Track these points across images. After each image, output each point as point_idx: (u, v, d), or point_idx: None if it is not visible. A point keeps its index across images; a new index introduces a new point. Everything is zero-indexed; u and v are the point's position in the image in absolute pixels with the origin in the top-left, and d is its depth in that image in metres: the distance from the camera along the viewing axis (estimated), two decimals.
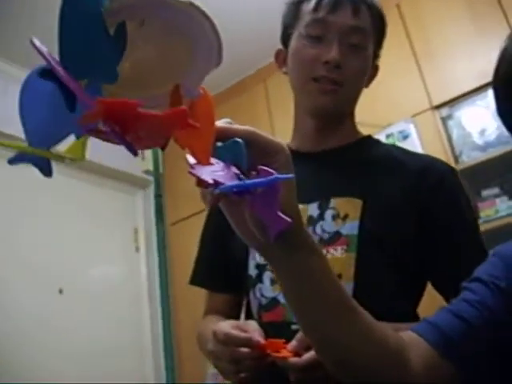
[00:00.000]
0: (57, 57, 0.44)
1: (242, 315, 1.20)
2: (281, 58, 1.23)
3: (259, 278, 1.08)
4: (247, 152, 0.52)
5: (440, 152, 2.41)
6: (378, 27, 1.16)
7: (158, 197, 3.70)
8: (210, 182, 0.47)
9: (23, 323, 2.67)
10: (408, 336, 0.66)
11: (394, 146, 1.23)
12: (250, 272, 1.10)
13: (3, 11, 2.75)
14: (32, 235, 2.91)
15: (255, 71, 3.43)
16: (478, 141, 2.43)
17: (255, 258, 1.10)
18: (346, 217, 1.04)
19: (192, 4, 0.47)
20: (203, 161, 0.51)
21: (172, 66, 0.53)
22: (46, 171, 0.52)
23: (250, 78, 3.44)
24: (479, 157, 2.39)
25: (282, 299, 1.03)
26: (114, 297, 3.23)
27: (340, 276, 0.99)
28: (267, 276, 1.07)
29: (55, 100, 0.46)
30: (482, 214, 2.31)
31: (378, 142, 1.24)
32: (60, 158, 0.50)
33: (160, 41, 0.51)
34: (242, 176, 0.51)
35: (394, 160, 1.12)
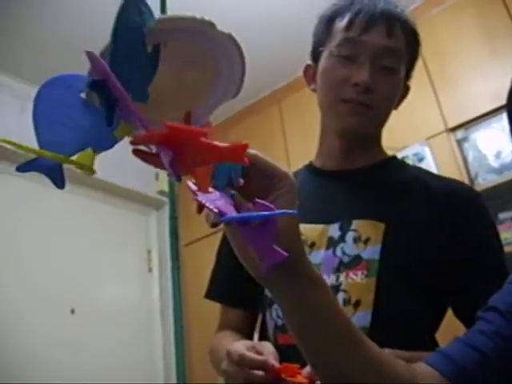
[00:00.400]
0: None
1: (256, 334, 1.19)
2: (310, 74, 1.19)
3: None
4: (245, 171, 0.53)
5: (455, 174, 2.39)
6: (412, 47, 1.13)
7: (174, 218, 3.70)
8: (215, 210, 0.47)
9: (35, 342, 2.67)
10: (420, 367, 0.65)
11: (419, 169, 1.21)
12: (266, 292, 1.08)
13: (19, 31, 2.80)
14: (45, 254, 2.92)
15: (270, 92, 3.44)
16: (494, 163, 2.41)
17: None
18: (367, 240, 1.01)
19: (231, 37, 0.48)
20: (203, 188, 0.51)
21: (188, 92, 0.53)
22: (59, 183, 0.51)
23: (265, 99, 3.46)
24: (495, 179, 2.37)
25: None
26: (126, 317, 3.22)
27: (359, 302, 0.97)
28: None
29: (76, 111, 0.46)
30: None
31: (403, 163, 1.22)
32: (77, 166, 0.49)
33: (181, 64, 0.51)
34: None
35: (420, 183, 1.09)
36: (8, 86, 3.02)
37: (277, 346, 0.97)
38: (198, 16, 0.46)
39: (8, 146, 0.44)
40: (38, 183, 2.86)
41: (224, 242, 1.26)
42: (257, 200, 0.50)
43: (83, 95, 0.48)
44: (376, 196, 1.09)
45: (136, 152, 0.46)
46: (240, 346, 0.89)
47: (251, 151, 0.53)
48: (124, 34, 0.43)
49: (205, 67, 0.50)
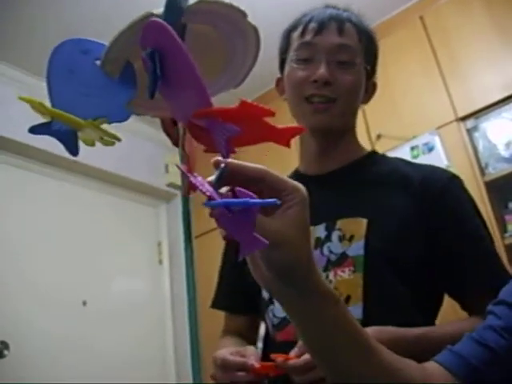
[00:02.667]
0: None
1: (261, 333, 1.24)
2: (280, 85, 1.27)
3: (271, 300, 1.11)
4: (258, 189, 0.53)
5: (465, 164, 2.39)
6: (367, 44, 1.18)
7: (187, 211, 3.71)
8: (208, 193, 0.48)
9: (47, 334, 2.70)
10: (431, 366, 0.64)
11: (398, 159, 1.24)
12: (263, 295, 1.15)
13: (21, 23, 2.81)
14: (56, 247, 2.95)
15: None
16: (504, 153, 2.39)
17: None
18: (351, 238, 1.05)
19: (257, 31, 0.50)
20: (191, 169, 0.52)
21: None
22: (73, 149, 0.51)
23: (273, 90, 3.45)
24: (505, 169, 2.35)
25: None
26: (136, 309, 3.24)
27: (349, 298, 1.01)
28: None
29: (91, 79, 0.45)
30: (510, 227, 2.27)
31: (382, 156, 1.25)
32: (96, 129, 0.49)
33: (198, 49, 0.51)
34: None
35: (398, 174, 1.13)
36: (18, 79, 3.03)
37: (276, 343, 1.05)
38: (234, 3, 0.46)
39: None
40: (49, 177, 2.88)
41: (226, 252, 1.33)
42: (238, 188, 0.50)
43: (98, 63, 0.47)
44: (357, 194, 1.13)
45: (192, 127, 0.46)
46: (224, 352, 0.98)
47: (259, 168, 0.53)
48: (172, 9, 0.44)
49: (217, 54, 0.50)
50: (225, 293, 1.32)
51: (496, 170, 2.38)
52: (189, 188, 0.51)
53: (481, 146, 2.45)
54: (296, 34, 1.18)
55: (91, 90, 0.46)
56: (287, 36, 1.22)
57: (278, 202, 0.49)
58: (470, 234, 1.06)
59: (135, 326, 3.17)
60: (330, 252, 1.06)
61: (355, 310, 0.98)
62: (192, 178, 0.49)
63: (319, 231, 1.08)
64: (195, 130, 0.47)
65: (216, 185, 0.50)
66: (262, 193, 0.52)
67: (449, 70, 2.61)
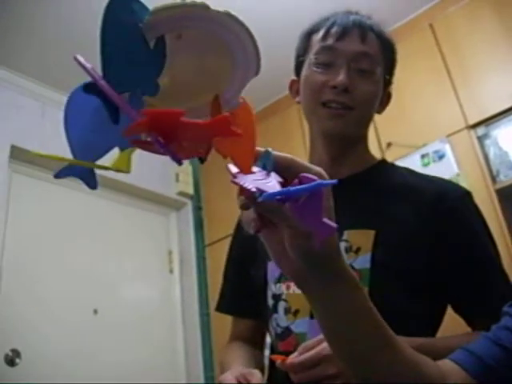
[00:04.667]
0: (99, 72, 0.45)
1: (268, 340, 1.24)
2: (294, 88, 1.26)
3: (275, 308, 1.11)
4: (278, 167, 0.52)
5: (476, 171, 2.38)
6: (387, 54, 1.17)
7: (199, 219, 3.73)
8: (254, 189, 0.47)
9: (59, 341, 2.71)
10: (446, 365, 0.64)
11: (408, 170, 1.22)
12: (268, 302, 1.13)
13: (40, 38, 2.83)
14: (68, 255, 2.96)
15: (288, 93, 3.44)
16: None
17: (271, 289, 1.12)
18: (358, 250, 1.03)
19: (228, 13, 0.48)
20: (245, 169, 0.51)
21: (211, 77, 0.53)
22: (92, 184, 0.54)
23: (284, 99, 3.46)
24: None
25: (294, 328, 1.06)
26: (147, 318, 3.25)
27: None
28: (281, 306, 1.09)
29: (99, 114, 0.47)
30: None
31: (392, 166, 1.24)
32: (105, 169, 0.51)
33: (198, 52, 0.52)
34: (283, 183, 0.51)
35: (408, 186, 1.12)
36: (30, 89, 3.07)
37: (278, 354, 1.03)
38: (187, 1, 0.46)
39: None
40: (61, 186, 2.90)
41: (230, 255, 1.32)
42: (302, 174, 0.49)
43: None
44: (365, 205, 1.11)
45: (135, 143, 0.46)
46: (229, 376, 0.99)
47: (286, 155, 0.53)
48: (116, 36, 0.44)
49: (220, 50, 0.51)
50: (230, 296, 1.31)
51: (507, 178, 2.36)
52: (239, 190, 0.51)
53: (492, 153, 2.44)
54: (317, 37, 1.16)
55: (103, 125, 0.48)
56: (307, 38, 1.19)
57: (326, 183, 0.48)
58: (480, 255, 1.05)
59: (146, 334, 3.17)
60: None
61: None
62: (237, 178, 0.49)
63: None
64: (139, 144, 0.47)
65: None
66: (287, 181, 0.52)
67: (459, 78, 2.60)
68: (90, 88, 0.45)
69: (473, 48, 2.61)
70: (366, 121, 1.18)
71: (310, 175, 0.49)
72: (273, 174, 0.51)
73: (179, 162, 0.47)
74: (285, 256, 0.55)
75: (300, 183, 0.49)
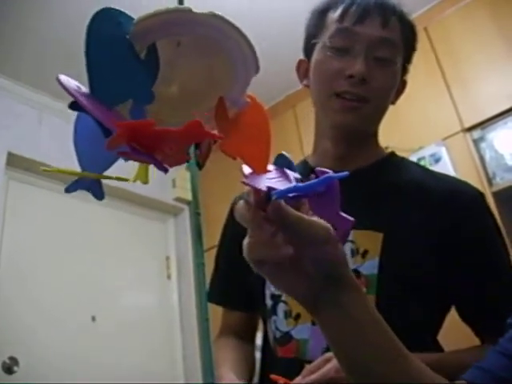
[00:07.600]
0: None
1: (258, 343, 1.20)
2: (302, 69, 1.14)
3: (274, 310, 1.04)
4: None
5: (473, 174, 2.38)
6: (409, 40, 1.07)
7: (197, 225, 3.71)
8: (264, 189, 0.46)
9: (57, 348, 2.70)
10: None
11: (420, 167, 1.16)
12: (267, 301, 1.07)
13: (37, 46, 2.84)
14: (64, 263, 2.95)
15: (284, 97, 3.45)
16: (511, 163, 2.39)
17: (270, 288, 1.06)
18: (365, 253, 0.96)
19: (213, 14, 0.47)
20: (259, 169, 0.50)
21: (214, 81, 0.53)
22: (99, 195, 0.56)
23: (280, 104, 3.46)
24: None
25: (295, 334, 1.00)
26: (145, 324, 3.24)
27: None
28: (281, 308, 1.03)
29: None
30: None
31: (402, 160, 1.16)
32: (123, 180, 0.53)
33: (199, 57, 0.51)
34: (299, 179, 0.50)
35: (418, 185, 1.04)
36: (26, 97, 3.07)
37: (276, 358, 1.00)
38: (172, 6, 0.46)
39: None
40: (58, 193, 2.90)
41: (221, 243, 1.25)
42: (318, 168, 0.49)
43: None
44: (372, 202, 1.03)
45: (121, 154, 0.46)
46: None
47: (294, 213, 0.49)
48: (102, 49, 0.44)
49: (217, 53, 0.50)
50: (221, 285, 1.23)
51: (503, 180, 2.37)
52: (254, 191, 0.50)
53: (488, 156, 2.45)
54: (333, 17, 1.04)
55: (102, 138, 0.50)
56: (321, 16, 1.07)
57: (336, 176, 0.48)
58: (492, 256, 1.00)
59: (144, 340, 3.16)
60: None
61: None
62: (247, 179, 0.48)
63: None
64: (124, 155, 0.47)
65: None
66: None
67: (454, 81, 2.61)
68: (74, 105, 0.45)
69: (468, 51, 2.62)
70: (381, 115, 1.09)
71: (324, 169, 0.49)
72: (289, 172, 0.51)
73: (164, 170, 0.47)
74: (303, 273, 0.53)
75: (316, 177, 0.48)
